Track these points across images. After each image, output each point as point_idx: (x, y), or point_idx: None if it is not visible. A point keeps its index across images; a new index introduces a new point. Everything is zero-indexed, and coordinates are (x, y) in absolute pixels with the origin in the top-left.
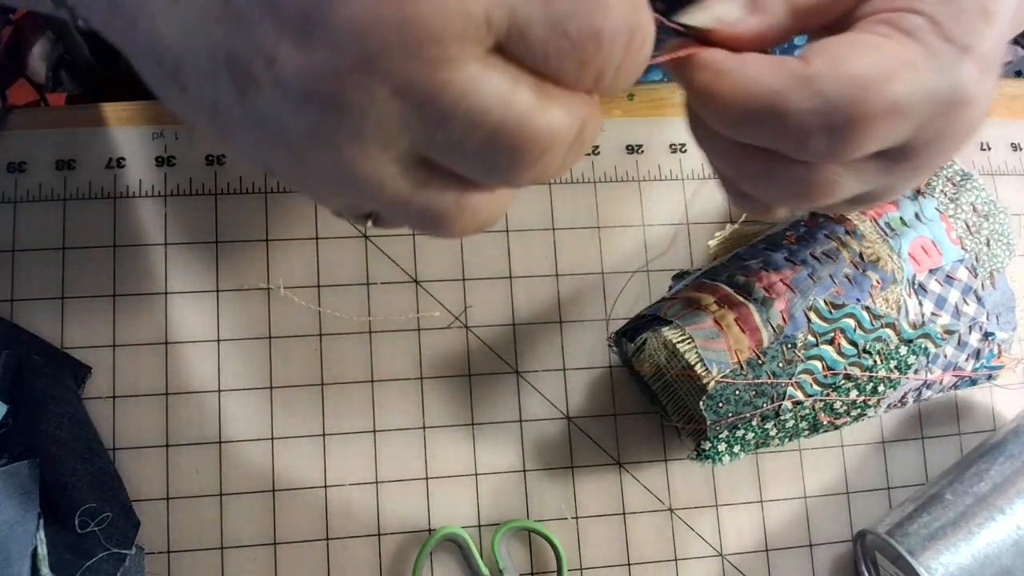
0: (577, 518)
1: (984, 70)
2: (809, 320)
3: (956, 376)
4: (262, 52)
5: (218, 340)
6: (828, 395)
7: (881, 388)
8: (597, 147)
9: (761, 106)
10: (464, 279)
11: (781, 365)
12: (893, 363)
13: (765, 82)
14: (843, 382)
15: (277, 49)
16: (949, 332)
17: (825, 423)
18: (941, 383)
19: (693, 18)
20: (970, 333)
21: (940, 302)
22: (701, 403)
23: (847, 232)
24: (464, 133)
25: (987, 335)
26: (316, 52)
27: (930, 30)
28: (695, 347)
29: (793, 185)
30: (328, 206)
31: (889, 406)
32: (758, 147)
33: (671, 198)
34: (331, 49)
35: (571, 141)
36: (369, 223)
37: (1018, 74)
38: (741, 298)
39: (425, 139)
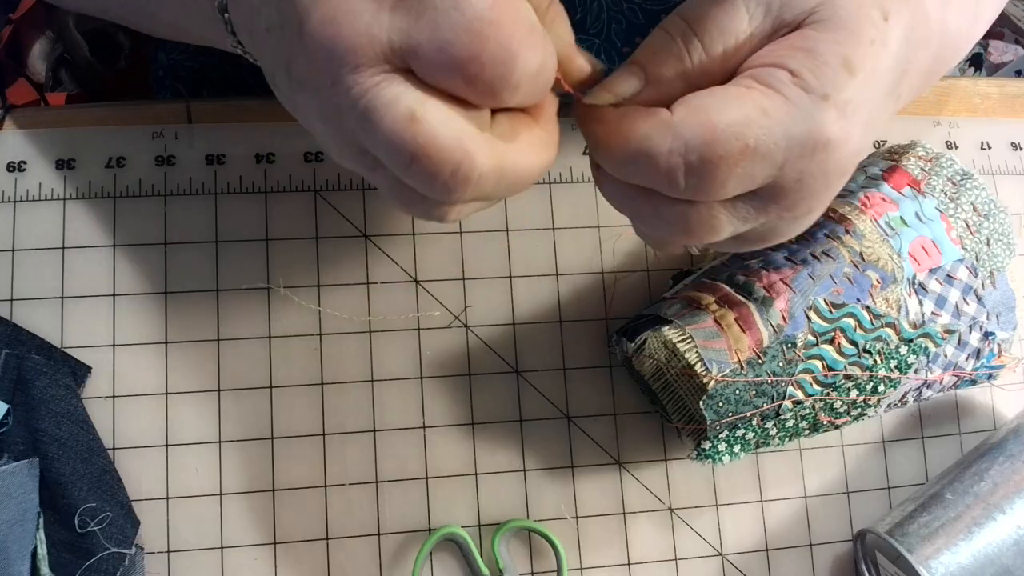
0: (577, 518)
1: (846, 115)
2: (809, 319)
3: (956, 376)
4: None
5: (218, 340)
6: (828, 394)
7: (881, 388)
8: None
9: (636, 149)
10: (464, 279)
11: (781, 364)
12: (893, 363)
13: (639, 129)
14: (843, 381)
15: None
16: (949, 332)
17: (825, 423)
18: (941, 383)
19: (597, 97)
20: (970, 333)
21: (940, 302)
22: (701, 402)
23: (847, 231)
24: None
25: (987, 335)
26: None
27: (790, 81)
28: (695, 346)
29: (677, 222)
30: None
31: (889, 405)
32: (644, 188)
33: None
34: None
35: (485, 156)
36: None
37: (1018, 74)
38: (741, 297)
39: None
